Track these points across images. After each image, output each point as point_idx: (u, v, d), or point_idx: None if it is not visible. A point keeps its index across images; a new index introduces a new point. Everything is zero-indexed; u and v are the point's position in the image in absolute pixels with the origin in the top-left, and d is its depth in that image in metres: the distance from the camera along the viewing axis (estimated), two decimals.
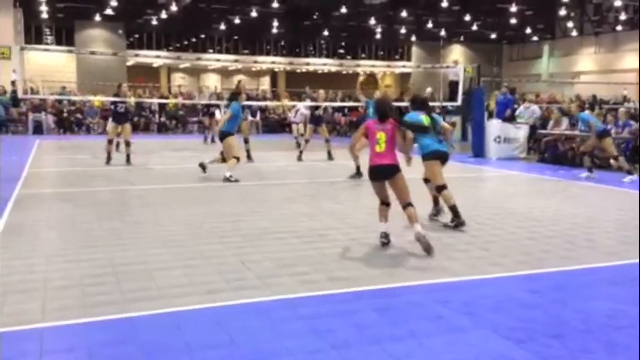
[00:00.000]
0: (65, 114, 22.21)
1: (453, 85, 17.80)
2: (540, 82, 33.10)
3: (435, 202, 7.07)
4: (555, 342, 3.53)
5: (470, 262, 5.26)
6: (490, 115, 15.90)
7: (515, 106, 16.72)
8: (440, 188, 6.73)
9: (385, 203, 5.85)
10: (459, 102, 16.76)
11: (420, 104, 7.07)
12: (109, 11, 31.43)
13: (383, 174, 5.77)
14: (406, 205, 5.73)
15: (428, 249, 5.41)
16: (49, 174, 11.21)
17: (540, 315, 3.99)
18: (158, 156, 14.50)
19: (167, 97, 25.64)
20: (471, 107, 15.85)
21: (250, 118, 17.03)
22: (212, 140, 16.77)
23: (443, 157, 6.78)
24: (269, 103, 26.18)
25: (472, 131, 15.70)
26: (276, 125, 24.45)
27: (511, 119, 15.65)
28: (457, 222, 6.53)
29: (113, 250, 5.43)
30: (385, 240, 5.77)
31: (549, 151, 13.76)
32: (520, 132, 14.90)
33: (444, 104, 18.81)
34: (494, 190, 10.02)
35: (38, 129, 21.33)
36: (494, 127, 14.75)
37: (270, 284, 4.52)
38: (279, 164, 13.02)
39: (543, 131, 14.84)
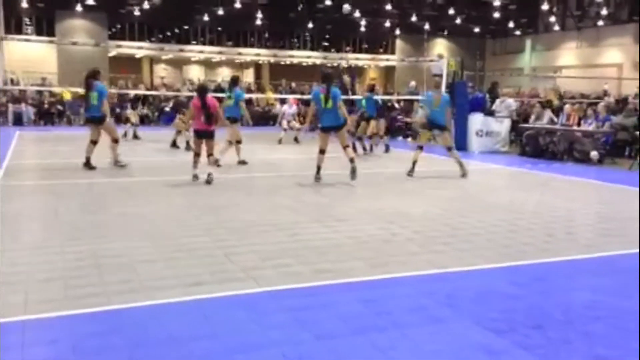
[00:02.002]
0: (45, 105, 21.94)
1: (437, 78, 17.85)
2: (523, 76, 33.39)
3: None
4: (535, 333, 3.59)
5: (453, 254, 5.32)
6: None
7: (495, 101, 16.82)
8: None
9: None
10: None
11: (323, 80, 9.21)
12: (90, 1, 31.03)
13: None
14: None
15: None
16: (31, 165, 11.09)
17: (521, 306, 4.06)
18: (141, 148, 14.39)
19: (149, 89, 25.42)
20: (454, 101, 15.91)
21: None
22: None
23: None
24: (252, 95, 26.10)
25: (454, 125, 15.78)
26: (260, 117, 24.37)
27: (492, 112, 15.78)
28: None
29: (96, 243, 5.40)
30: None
31: (530, 145, 13.91)
32: (502, 126, 15.05)
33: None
34: (476, 183, 10.10)
35: (18, 120, 21.06)
36: (475, 120, 14.87)
37: (255, 276, 4.54)
38: (263, 156, 13.00)
39: (525, 125, 14.98)
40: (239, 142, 11.22)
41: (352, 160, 8.92)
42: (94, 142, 10.39)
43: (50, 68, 31.97)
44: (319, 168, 9.11)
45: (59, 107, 22.08)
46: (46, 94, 22.48)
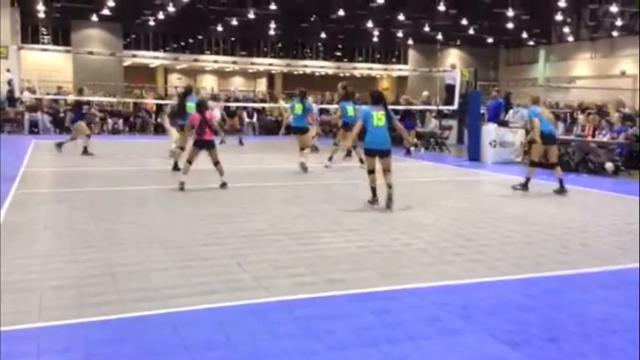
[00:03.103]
0: (61, 114, 22.15)
1: (450, 89, 17.85)
2: (537, 87, 33.24)
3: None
4: (550, 346, 3.56)
5: (466, 265, 5.28)
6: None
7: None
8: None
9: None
10: (455, 106, 16.82)
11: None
12: (106, 11, 31.40)
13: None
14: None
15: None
16: (45, 173, 11.20)
17: (536, 318, 4.02)
18: (154, 157, 14.48)
19: (163, 98, 25.59)
20: (467, 111, 15.91)
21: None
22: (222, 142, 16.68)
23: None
24: (265, 105, 26.21)
25: (468, 135, 15.76)
26: (272, 126, 24.42)
27: (505, 123, 15.71)
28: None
29: (109, 251, 5.44)
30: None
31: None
32: (516, 136, 14.96)
33: (441, 107, 18.87)
34: (489, 194, 10.05)
35: (34, 128, 21.29)
36: (489, 131, 14.80)
37: (267, 286, 4.54)
38: (274, 165, 13.02)
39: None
40: (302, 148, 11.69)
41: (390, 186, 7.77)
42: (182, 148, 11.00)
43: (66, 77, 32.34)
44: (374, 190, 8.02)
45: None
46: (62, 103, 22.70)
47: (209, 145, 9.16)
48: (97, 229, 6.39)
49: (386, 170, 7.92)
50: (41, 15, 31.88)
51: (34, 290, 4.30)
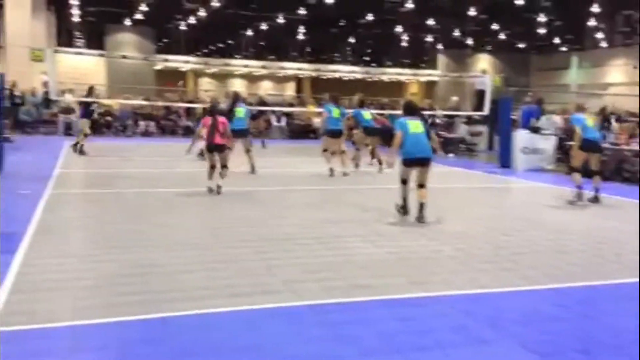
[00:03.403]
0: (95, 116, 22.57)
1: (480, 94, 17.69)
2: (569, 93, 32.72)
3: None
4: (582, 358, 3.49)
5: (497, 274, 5.22)
6: (515, 126, 15.79)
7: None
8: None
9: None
10: (485, 112, 16.65)
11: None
12: (139, 16, 31.94)
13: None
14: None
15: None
16: (79, 174, 11.42)
17: (568, 329, 3.95)
18: (184, 160, 14.65)
19: (193, 102, 25.90)
20: (498, 117, 15.73)
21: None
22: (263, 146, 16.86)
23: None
24: (294, 109, 26.30)
25: (498, 141, 15.58)
26: (301, 130, 24.52)
27: (537, 129, 15.49)
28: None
29: (140, 251, 5.52)
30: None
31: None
32: (548, 143, 14.73)
33: (470, 113, 18.71)
34: (521, 201, 9.92)
35: (68, 130, 21.72)
36: (521, 137, 14.59)
37: (295, 289, 4.55)
38: (303, 169, 13.05)
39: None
40: (343, 152, 11.96)
41: (423, 205, 7.33)
42: (248, 151, 11.68)
43: (100, 80, 32.95)
44: (404, 200, 7.45)
45: (108, 118, 22.70)
46: (95, 105, 23.14)
47: (219, 149, 9.19)
48: (129, 229, 6.50)
49: (421, 185, 7.32)
50: (76, 19, 32.56)
51: (68, 289, 4.39)
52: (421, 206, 7.27)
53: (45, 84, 21.03)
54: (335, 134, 12.04)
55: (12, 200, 8.36)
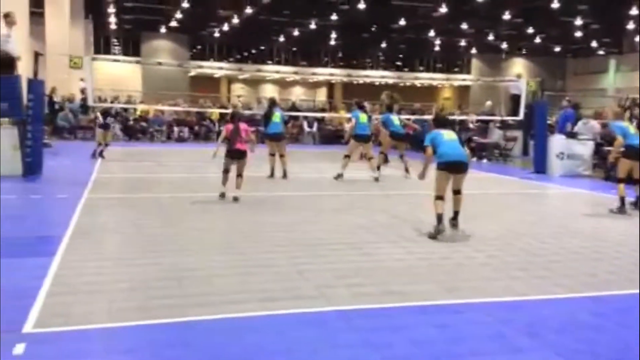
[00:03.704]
0: (131, 122, 23.03)
1: (515, 99, 17.44)
2: (606, 97, 32.02)
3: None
4: None
5: (532, 281, 5.12)
6: (551, 131, 15.52)
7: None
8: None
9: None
10: (521, 117, 16.41)
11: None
12: (173, 23, 32.49)
13: None
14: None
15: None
16: (115, 179, 11.65)
17: (605, 338, 3.85)
18: (216, 165, 14.81)
19: (226, 107, 26.19)
20: (533, 122, 15.48)
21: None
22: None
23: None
24: (325, 114, 26.37)
25: (533, 147, 15.33)
26: (332, 136, 24.55)
27: (574, 134, 15.19)
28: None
29: (175, 255, 5.59)
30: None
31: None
32: (585, 149, 14.42)
33: (505, 118, 18.45)
34: (556, 208, 9.73)
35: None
36: (557, 142, 14.33)
37: (327, 295, 4.55)
38: (333, 174, 13.04)
39: (609, 148, 14.28)
40: (371, 157, 12.13)
41: (457, 213, 7.14)
42: (272, 155, 11.82)
43: (135, 86, 33.61)
44: (439, 218, 6.72)
45: (143, 123, 23.12)
46: (131, 111, 23.61)
47: (239, 156, 9.07)
48: (163, 233, 6.59)
49: (457, 192, 7.01)
50: (113, 27, 33.29)
51: (104, 292, 4.47)
52: (456, 214, 7.09)
53: (83, 91, 21.54)
54: (363, 138, 12.11)
55: (51, 204, 8.59)
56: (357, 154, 13.17)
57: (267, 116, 12.02)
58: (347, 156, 12.00)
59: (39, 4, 23.73)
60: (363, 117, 12.14)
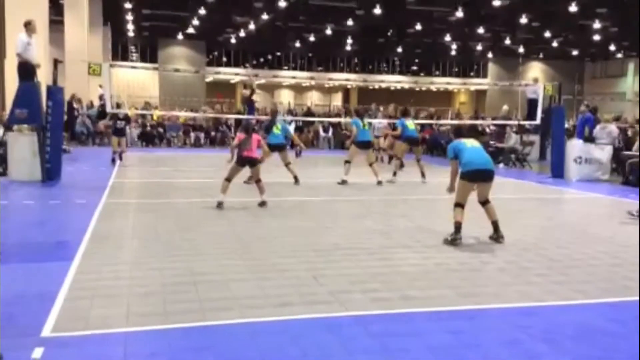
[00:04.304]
0: (148, 128, 23.24)
1: (532, 103, 17.30)
2: (625, 101, 31.65)
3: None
4: None
5: (549, 287, 5.08)
6: (569, 135, 15.41)
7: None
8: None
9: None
10: (538, 121, 16.28)
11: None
12: (190, 30, 32.75)
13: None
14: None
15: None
16: (133, 184, 11.77)
17: (624, 345, 3.81)
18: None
19: (242, 113, 26.28)
20: (550, 126, 15.36)
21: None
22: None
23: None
24: (341, 119, 26.36)
25: (551, 151, 15.20)
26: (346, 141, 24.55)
27: (592, 138, 15.04)
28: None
29: (192, 260, 5.63)
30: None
31: (634, 174, 13.09)
32: (603, 153, 14.27)
33: (522, 122, 18.33)
34: (574, 212, 9.63)
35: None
36: (574, 147, 14.20)
37: (342, 300, 4.55)
38: (350, 179, 13.05)
39: (628, 152, 14.14)
40: (372, 163, 12.41)
41: (497, 223, 6.79)
42: (287, 164, 11.81)
43: (153, 92, 33.92)
44: (458, 227, 6.53)
45: (160, 129, 23.32)
46: (149, 117, 23.83)
47: (252, 163, 9.14)
48: (181, 238, 6.64)
49: (486, 202, 6.76)
50: (130, 34, 33.65)
51: (122, 296, 4.52)
52: (495, 224, 6.75)
53: (101, 97, 21.79)
54: (364, 145, 12.26)
55: (70, 210, 8.70)
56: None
57: (268, 127, 12.15)
58: (348, 162, 12.14)
59: (59, 12, 24.12)
60: (362, 125, 12.29)
